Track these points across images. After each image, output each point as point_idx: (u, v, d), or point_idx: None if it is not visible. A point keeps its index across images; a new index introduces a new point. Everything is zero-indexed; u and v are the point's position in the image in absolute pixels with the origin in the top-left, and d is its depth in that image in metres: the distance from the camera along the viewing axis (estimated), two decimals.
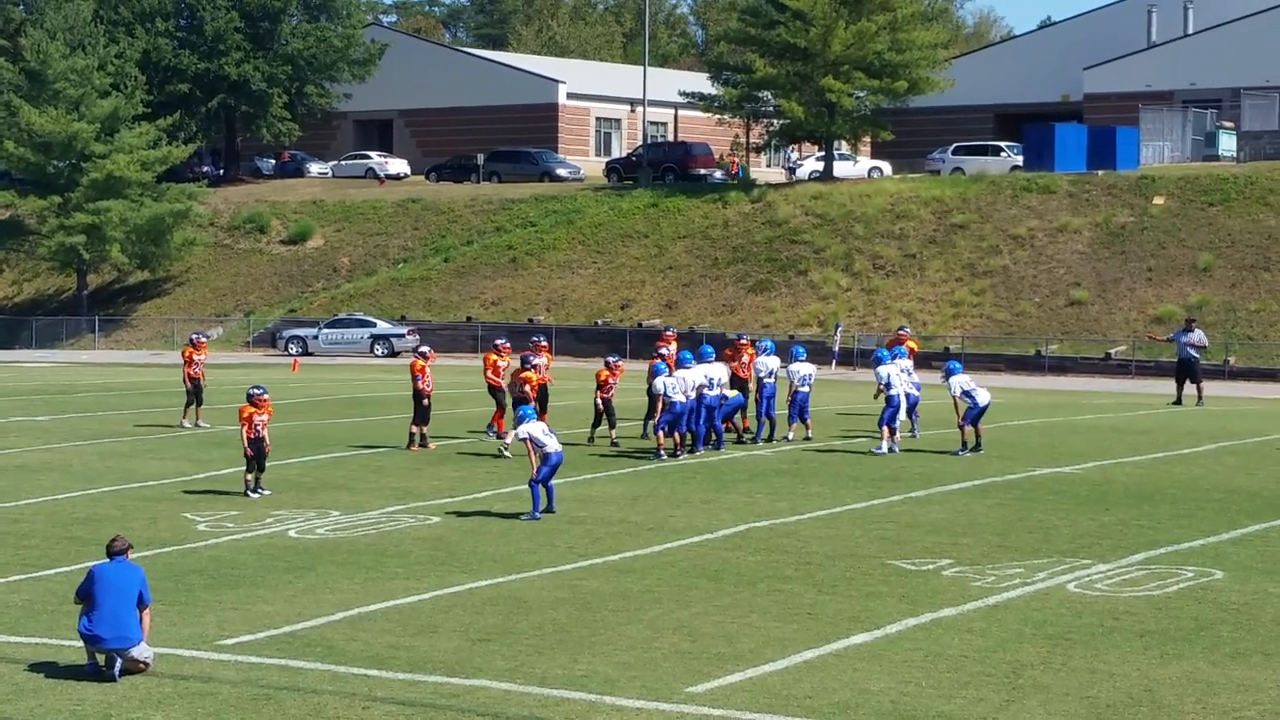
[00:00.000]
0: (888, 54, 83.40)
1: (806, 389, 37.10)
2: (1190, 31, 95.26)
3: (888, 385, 34.92)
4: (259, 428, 29.49)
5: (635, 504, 28.28)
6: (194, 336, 43.26)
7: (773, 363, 37.45)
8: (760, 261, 79.62)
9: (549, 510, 27.02)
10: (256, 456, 29.49)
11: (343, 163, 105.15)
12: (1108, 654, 17.87)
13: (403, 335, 78.13)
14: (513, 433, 28.17)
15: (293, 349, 78.24)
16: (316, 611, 19.99)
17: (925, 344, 70.08)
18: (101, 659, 17.12)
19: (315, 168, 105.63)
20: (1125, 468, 32.94)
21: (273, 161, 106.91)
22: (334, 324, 79.97)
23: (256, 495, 29.25)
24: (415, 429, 36.13)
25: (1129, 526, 25.82)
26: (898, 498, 28.84)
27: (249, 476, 29.63)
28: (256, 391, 29.93)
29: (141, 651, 17.18)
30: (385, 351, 77.58)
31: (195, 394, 41.27)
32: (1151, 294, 70.93)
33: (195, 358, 41.26)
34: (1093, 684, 16.74)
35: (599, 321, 78.34)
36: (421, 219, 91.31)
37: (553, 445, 27.09)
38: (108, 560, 17.70)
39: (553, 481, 27.37)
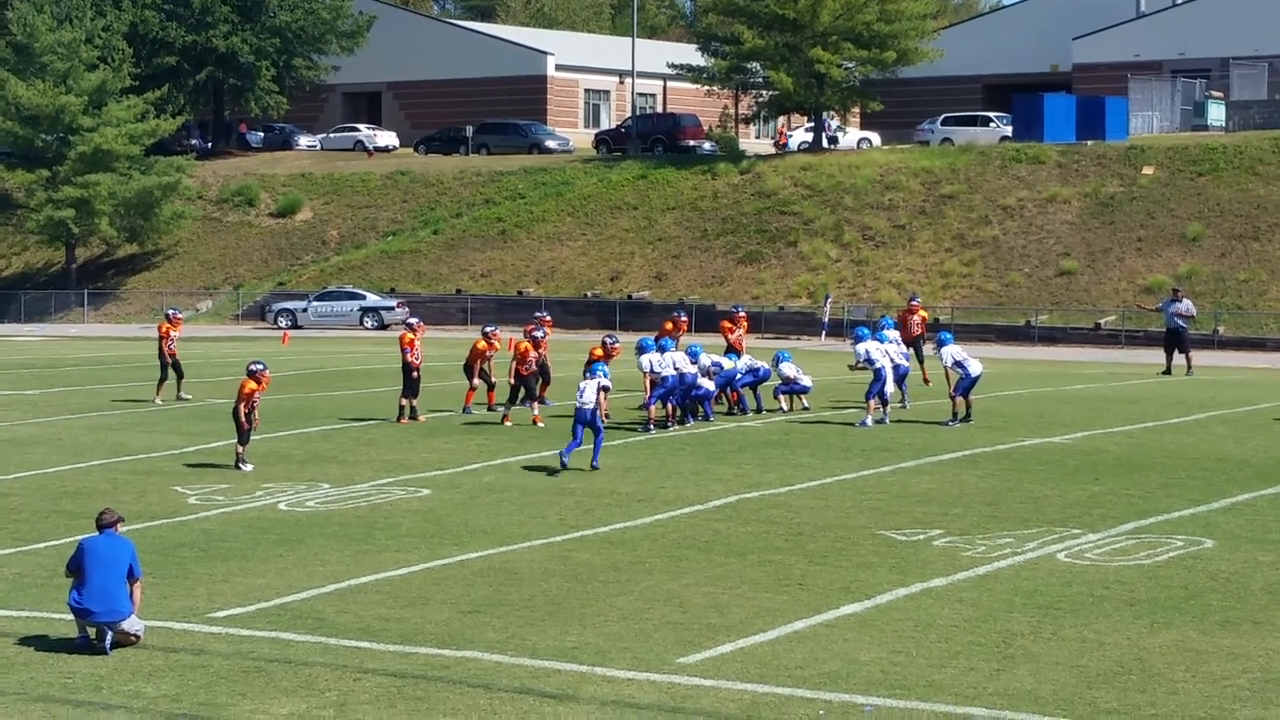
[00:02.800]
0: (876, 24, 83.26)
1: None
2: (1179, 1, 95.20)
3: (868, 360, 34.75)
4: (254, 402, 29.52)
5: (626, 475, 28.28)
6: (169, 312, 43.10)
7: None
8: (750, 233, 79.59)
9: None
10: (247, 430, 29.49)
11: (331, 135, 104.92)
12: (1097, 623, 17.89)
13: (392, 308, 78.08)
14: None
15: (282, 322, 78.19)
16: (307, 584, 20.00)
17: None
18: (92, 632, 17.11)
19: (304, 140, 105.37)
20: (1115, 437, 32.97)
21: (261, 134, 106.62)
22: (323, 297, 79.89)
23: (248, 468, 29.22)
24: (405, 401, 36.11)
25: (1119, 496, 25.85)
26: (888, 468, 28.86)
27: (241, 449, 29.62)
28: (258, 367, 29.97)
29: (132, 624, 17.17)
30: (375, 324, 77.53)
31: (175, 368, 41.21)
32: (1141, 264, 70.95)
33: (172, 334, 41.20)
34: (1083, 653, 16.76)
35: (589, 293, 78.33)
36: (410, 191, 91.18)
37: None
38: (98, 533, 17.69)
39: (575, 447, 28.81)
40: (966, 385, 34.58)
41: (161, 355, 41.35)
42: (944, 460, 29.80)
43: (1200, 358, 51.65)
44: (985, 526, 23.30)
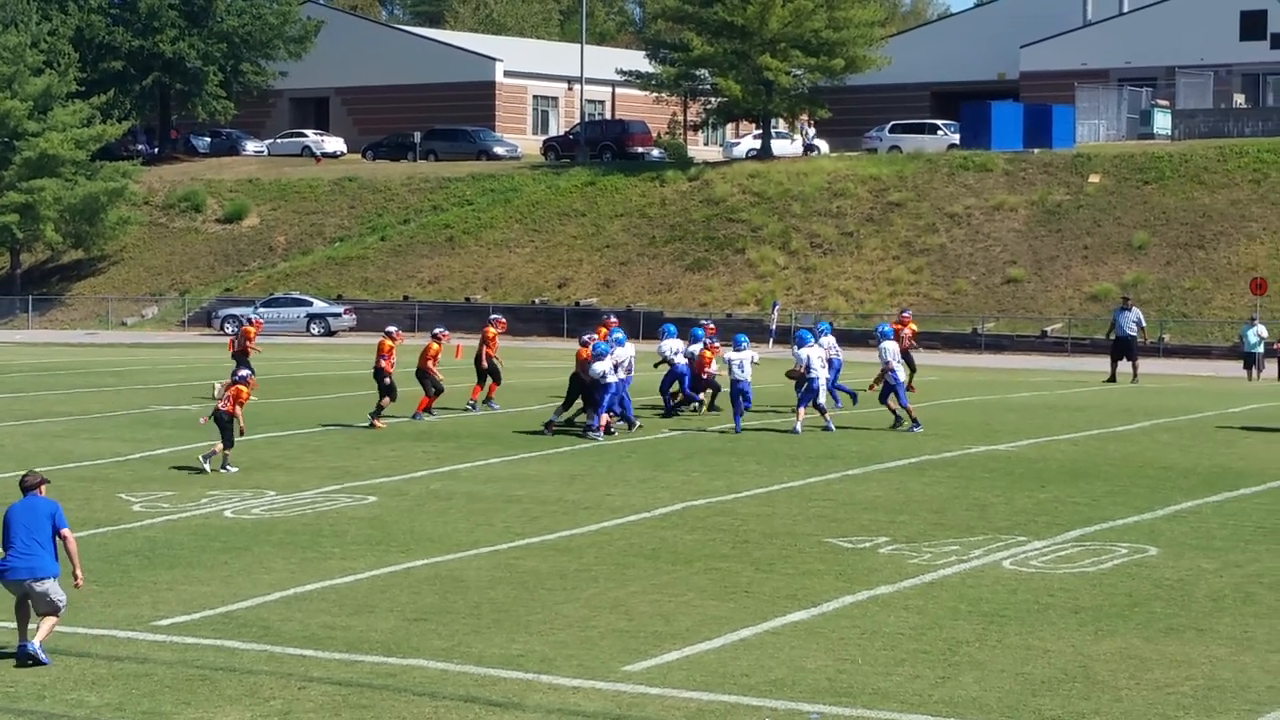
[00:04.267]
0: (825, 32, 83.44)
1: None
2: (1126, 10, 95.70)
3: (808, 368, 34.80)
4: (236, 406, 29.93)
5: (573, 483, 28.27)
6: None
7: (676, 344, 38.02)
8: (698, 240, 79.68)
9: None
10: (226, 433, 29.72)
11: (279, 141, 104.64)
12: (1042, 630, 17.95)
13: (339, 314, 77.92)
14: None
15: (229, 328, 77.83)
16: (252, 592, 19.93)
17: (862, 322, 70.28)
18: (15, 598, 16.99)
19: (251, 146, 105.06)
20: (1061, 445, 33.09)
21: (208, 139, 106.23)
22: (270, 303, 79.63)
23: (231, 470, 29.53)
24: (386, 402, 36.28)
25: (1064, 503, 25.95)
26: (835, 475, 28.91)
27: (228, 452, 29.80)
28: (246, 373, 31.09)
29: (53, 591, 16.99)
30: (321, 330, 77.35)
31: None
32: (1087, 272, 71.26)
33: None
34: (1027, 660, 16.82)
35: (536, 300, 78.29)
36: (358, 198, 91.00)
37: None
38: (21, 498, 17.51)
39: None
40: (891, 389, 34.80)
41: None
42: (890, 468, 29.86)
43: (1146, 365, 51.87)
44: (931, 534, 23.35)
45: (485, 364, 39.73)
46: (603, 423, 34.08)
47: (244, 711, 15.27)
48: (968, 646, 17.34)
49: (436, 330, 39.08)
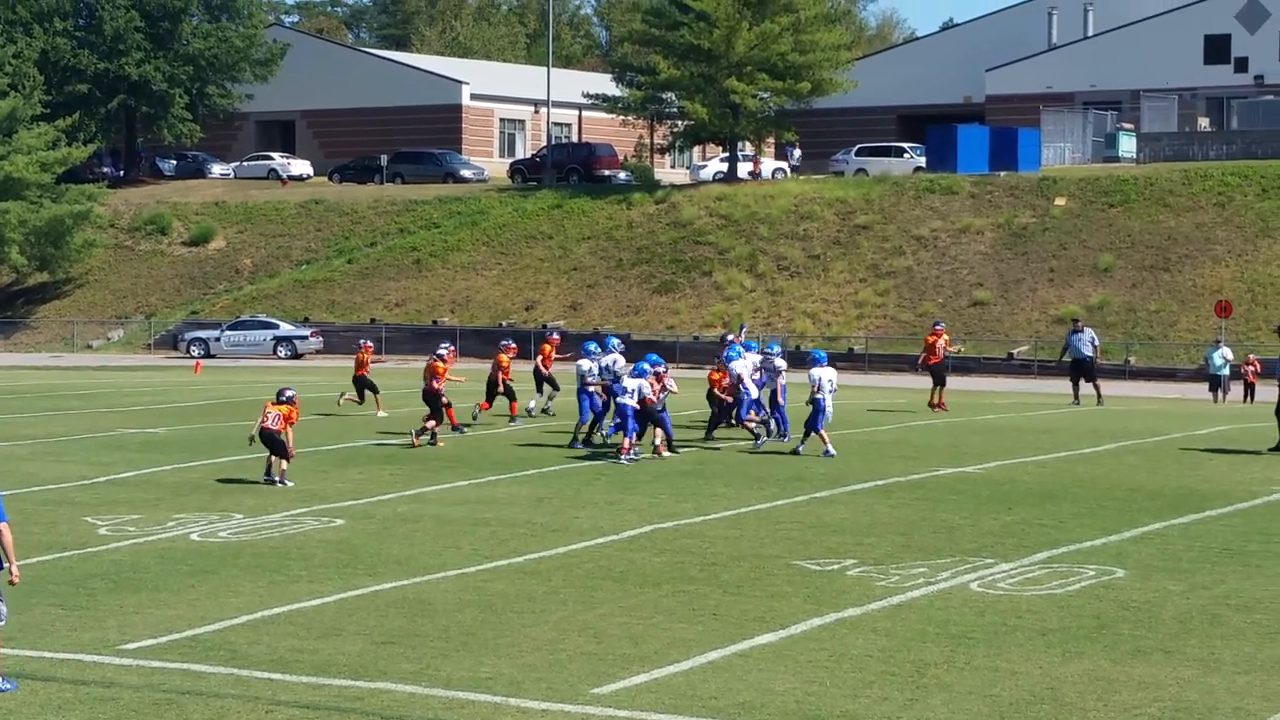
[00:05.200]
0: (791, 55, 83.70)
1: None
2: (1090, 34, 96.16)
3: (740, 384, 35.12)
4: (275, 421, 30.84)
5: (540, 505, 28.24)
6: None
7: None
8: (665, 262, 79.75)
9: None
10: (274, 447, 30.81)
11: (245, 164, 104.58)
12: (1010, 652, 17.96)
13: (306, 337, 77.81)
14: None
15: (195, 351, 77.76)
16: (219, 615, 19.85)
17: (828, 345, 70.31)
18: None
19: (217, 169, 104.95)
20: (1028, 467, 33.15)
21: (174, 161, 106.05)
22: (236, 326, 79.53)
23: (285, 484, 30.49)
24: (431, 425, 36.62)
25: (1031, 526, 25.98)
26: (802, 498, 28.91)
27: (285, 466, 30.71)
28: (292, 393, 31.86)
29: None
30: (288, 353, 77.20)
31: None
32: (1053, 294, 71.48)
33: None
34: (995, 682, 16.82)
35: (503, 323, 78.23)
36: (325, 220, 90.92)
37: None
38: None
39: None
40: (816, 418, 34.77)
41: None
42: (857, 490, 29.88)
43: (1112, 388, 52.03)
44: (899, 556, 23.35)
45: (500, 388, 40.89)
46: (627, 445, 34.01)
47: None
48: (935, 669, 17.34)
49: (440, 349, 39.31)
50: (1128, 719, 15.58)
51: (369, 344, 47.64)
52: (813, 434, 34.74)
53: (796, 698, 16.25)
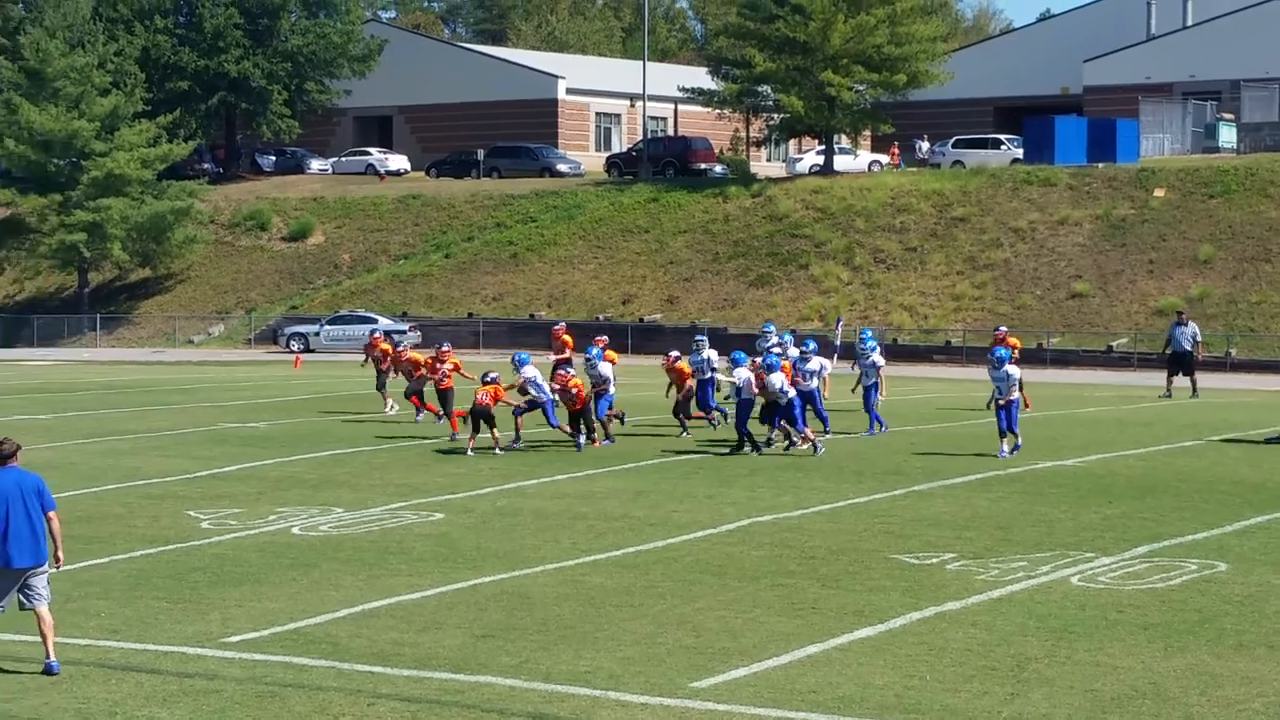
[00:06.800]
0: (887, 47, 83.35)
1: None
2: (1189, 23, 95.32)
3: (736, 391, 34.56)
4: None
5: (638, 499, 28.29)
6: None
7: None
8: (761, 256, 79.63)
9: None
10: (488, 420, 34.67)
11: (343, 159, 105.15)
12: (1111, 647, 17.86)
13: (404, 331, 78.09)
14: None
15: (294, 346, 78.22)
16: (320, 608, 19.99)
17: (926, 338, 70.20)
18: (10, 603, 17.15)
19: (316, 164, 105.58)
20: (1128, 460, 32.95)
21: (273, 157, 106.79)
22: (335, 320, 79.92)
23: (498, 452, 34.36)
24: (496, 435, 36.60)
25: (1132, 519, 25.83)
26: (900, 491, 28.85)
27: (497, 434, 34.75)
28: (495, 376, 35.54)
29: (45, 585, 17.19)
30: None
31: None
32: (1153, 286, 70.92)
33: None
34: (1097, 677, 16.74)
35: (600, 317, 78.29)
36: (422, 215, 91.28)
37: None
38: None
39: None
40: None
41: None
42: (956, 484, 29.79)
43: (1212, 380, 51.63)
44: (998, 550, 23.27)
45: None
46: (806, 435, 34.10)
47: None
48: (1036, 663, 17.27)
49: (442, 348, 40.27)
50: (1231, 714, 15.48)
51: (379, 335, 49.27)
52: (801, 430, 34.43)
53: (896, 691, 16.23)
